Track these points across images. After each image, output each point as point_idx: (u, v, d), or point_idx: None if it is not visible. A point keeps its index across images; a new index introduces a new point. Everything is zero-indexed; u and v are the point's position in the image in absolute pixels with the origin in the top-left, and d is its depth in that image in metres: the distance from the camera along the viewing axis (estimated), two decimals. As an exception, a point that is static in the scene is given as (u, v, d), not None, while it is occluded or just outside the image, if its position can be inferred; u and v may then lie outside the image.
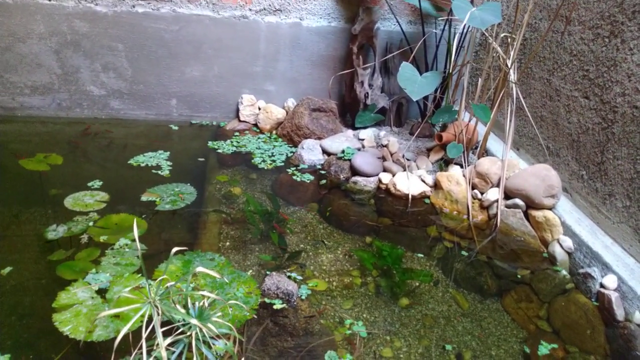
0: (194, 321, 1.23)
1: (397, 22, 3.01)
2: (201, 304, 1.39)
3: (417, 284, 2.01)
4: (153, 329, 1.23)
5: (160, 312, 1.26)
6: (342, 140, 2.86)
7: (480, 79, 2.69)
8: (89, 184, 2.36)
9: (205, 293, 1.33)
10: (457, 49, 2.63)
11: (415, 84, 2.50)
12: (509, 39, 2.54)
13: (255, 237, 2.16)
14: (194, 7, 2.88)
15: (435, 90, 2.93)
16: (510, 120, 2.49)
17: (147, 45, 2.91)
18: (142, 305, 1.26)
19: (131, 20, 2.83)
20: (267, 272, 1.91)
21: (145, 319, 1.26)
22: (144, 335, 1.21)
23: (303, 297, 1.82)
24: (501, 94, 2.55)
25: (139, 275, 1.81)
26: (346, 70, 3.06)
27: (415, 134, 2.95)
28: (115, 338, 1.27)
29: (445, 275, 2.08)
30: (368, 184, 2.61)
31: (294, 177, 2.67)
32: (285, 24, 3.01)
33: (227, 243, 2.09)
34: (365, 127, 3.05)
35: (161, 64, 2.97)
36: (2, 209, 2.16)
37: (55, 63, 2.86)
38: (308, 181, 2.65)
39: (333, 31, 3.08)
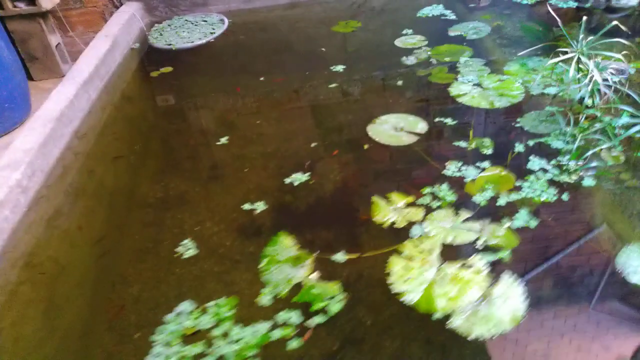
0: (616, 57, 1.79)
1: None
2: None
3: None
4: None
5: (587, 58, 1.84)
6: (591, -29, 3.18)
7: None
8: (403, 32, 3.00)
9: (604, 53, 1.88)
10: None
11: None
12: None
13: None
14: None
15: None
16: None
17: None
18: (571, 55, 1.86)
19: None
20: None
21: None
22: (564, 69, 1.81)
23: (632, 73, 2.32)
24: None
25: (494, 74, 2.45)
26: None
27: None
28: (504, 107, 1.92)
29: None
30: (630, 2, 2.95)
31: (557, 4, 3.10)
32: None
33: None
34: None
35: None
36: (361, 58, 2.90)
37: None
38: (569, 7, 3.07)
39: None
